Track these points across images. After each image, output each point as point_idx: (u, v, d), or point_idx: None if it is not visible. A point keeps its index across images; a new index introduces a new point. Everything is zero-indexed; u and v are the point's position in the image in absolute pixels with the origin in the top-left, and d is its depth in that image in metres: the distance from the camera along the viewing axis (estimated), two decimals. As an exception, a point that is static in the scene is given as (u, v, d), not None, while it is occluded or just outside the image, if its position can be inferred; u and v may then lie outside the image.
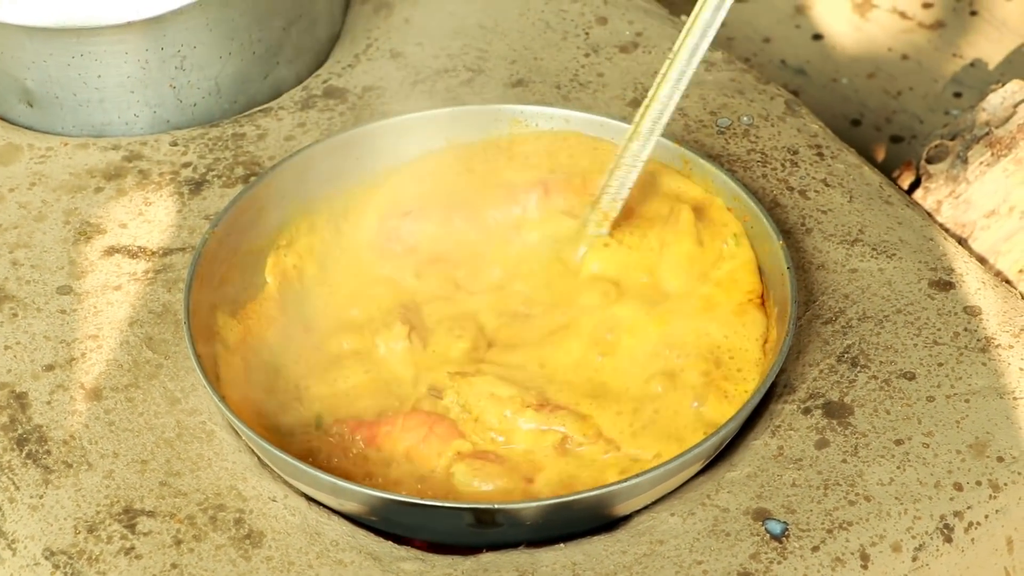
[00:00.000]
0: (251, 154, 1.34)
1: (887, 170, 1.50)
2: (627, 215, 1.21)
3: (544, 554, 1.06)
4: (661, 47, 1.44)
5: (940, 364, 1.16)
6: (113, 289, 1.23)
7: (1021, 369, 1.15)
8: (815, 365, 1.16)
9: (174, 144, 1.35)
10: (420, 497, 1.05)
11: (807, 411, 1.13)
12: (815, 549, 1.05)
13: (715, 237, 1.19)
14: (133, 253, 1.26)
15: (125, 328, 1.20)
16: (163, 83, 1.35)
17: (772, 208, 1.27)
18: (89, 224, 1.28)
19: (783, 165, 1.32)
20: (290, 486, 1.09)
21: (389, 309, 1.19)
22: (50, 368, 1.17)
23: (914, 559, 1.06)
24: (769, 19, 1.85)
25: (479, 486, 1.07)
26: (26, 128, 1.38)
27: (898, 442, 1.11)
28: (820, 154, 1.33)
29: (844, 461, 1.10)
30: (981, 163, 1.33)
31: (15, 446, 1.12)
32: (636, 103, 1.38)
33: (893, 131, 1.71)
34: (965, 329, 1.18)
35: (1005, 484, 1.09)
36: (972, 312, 1.19)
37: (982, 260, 1.31)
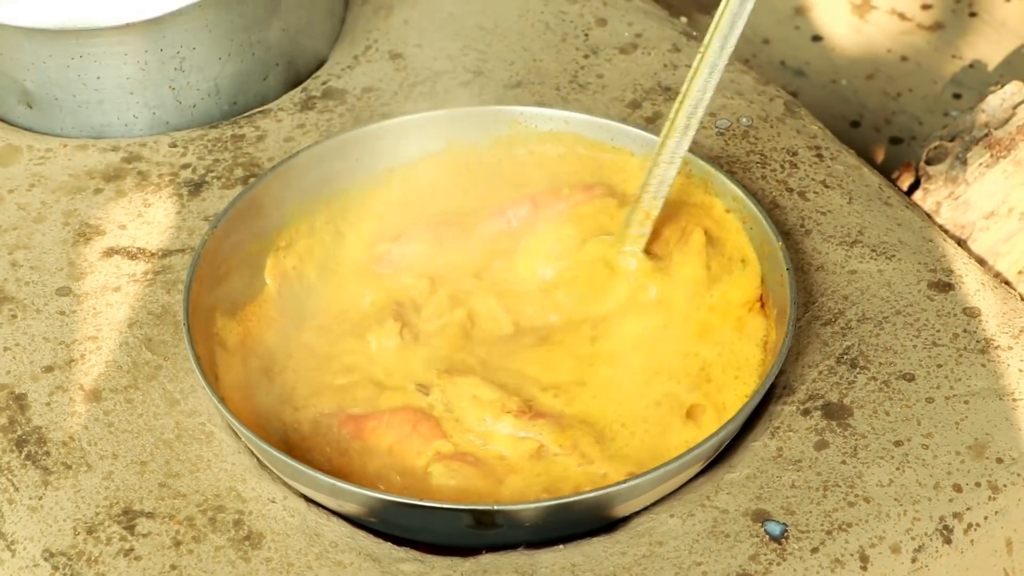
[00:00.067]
0: (250, 155, 1.34)
1: (886, 171, 1.50)
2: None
3: (543, 555, 1.05)
4: (660, 48, 1.44)
5: (939, 365, 1.16)
6: (112, 290, 1.23)
7: (1020, 370, 1.15)
8: (814, 366, 1.16)
9: (173, 145, 1.35)
10: (419, 498, 1.05)
11: (806, 412, 1.13)
12: (814, 550, 1.05)
13: (725, 261, 1.19)
14: (132, 254, 1.26)
15: (124, 329, 1.20)
16: (162, 84, 1.35)
17: (771, 209, 1.27)
18: (88, 225, 1.28)
19: (782, 166, 1.32)
20: (289, 487, 1.09)
21: (383, 306, 1.19)
22: (49, 369, 1.17)
23: (913, 560, 1.06)
24: (768, 20, 1.85)
25: (454, 486, 1.08)
26: (25, 129, 1.38)
27: (897, 443, 1.11)
28: (819, 155, 1.33)
29: (843, 462, 1.10)
30: (980, 164, 1.33)
31: (14, 447, 1.12)
32: (636, 104, 1.38)
33: (892, 132, 1.71)
34: (964, 330, 1.18)
35: (1004, 485, 1.09)
36: (971, 313, 1.19)
37: (981, 261, 1.31)
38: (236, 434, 1.12)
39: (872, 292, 1.21)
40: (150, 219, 1.29)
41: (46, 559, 1.06)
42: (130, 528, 1.07)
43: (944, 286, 1.21)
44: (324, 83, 1.42)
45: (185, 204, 1.30)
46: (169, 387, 1.16)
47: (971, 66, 1.77)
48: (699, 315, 1.17)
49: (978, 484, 1.09)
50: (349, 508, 1.06)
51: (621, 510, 1.06)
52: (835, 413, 1.13)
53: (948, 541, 1.07)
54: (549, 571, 1.04)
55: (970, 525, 1.08)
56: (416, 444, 1.11)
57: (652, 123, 1.35)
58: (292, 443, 1.11)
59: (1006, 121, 1.34)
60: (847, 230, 1.26)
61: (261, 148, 1.35)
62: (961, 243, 1.32)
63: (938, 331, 1.18)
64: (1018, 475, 1.09)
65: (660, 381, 1.14)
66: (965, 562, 1.08)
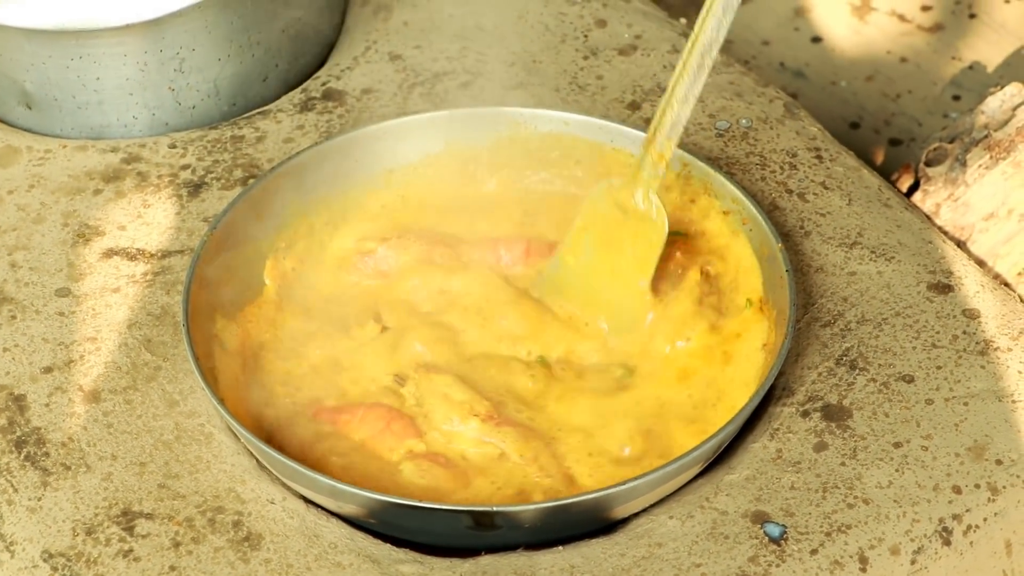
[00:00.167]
0: (250, 156, 1.34)
1: (886, 173, 1.50)
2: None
3: (542, 557, 1.05)
4: (660, 50, 1.44)
5: (939, 367, 1.16)
6: (112, 291, 1.23)
7: (1020, 372, 1.15)
8: (814, 368, 1.16)
9: (173, 146, 1.35)
10: (418, 500, 1.05)
11: (806, 414, 1.13)
12: (814, 552, 1.05)
13: (723, 300, 1.19)
14: (132, 255, 1.26)
15: (124, 330, 1.20)
16: (162, 85, 1.35)
17: (771, 211, 1.27)
18: (88, 226, 1.28)
19: (782, 168, 1.32)
20: (289, 488, 1.09)
21: (364, 302, 1.20)
22: (48, 370, 1.17)
23: (913, 562, 1.06)
24: (768, 22, 1.85)
25: (423, 485, 1.08)
26: (25, 130, 1.38)
27: (897, 445, 1.11)
28: (819, 157, 1.33)
29: (843, 464, 1.10)
30: (980, 166, 1.33)
31: (13, 448, 1.12)
32: (635, 106, 1.38)
33: (892, 134, 1.71)
34: (964, 332, 1.18)
35: (1004, 487, 1.09)
36: (971, 315, 1.19)
37: (981, 263, 1.31)
38: (235, 435, 1.12)
39: (872, 294, 1.21)
40: (149, 220, 1.28)
41: (45, 560, 1.06)
42: (129, 529, 1.07)
43: (944, 288, 1.21)
44: (324, 84, 1.42)
45: (184, 205, 1.30)
46: (168, 388, 1.16)
47: (971, 68, 1.77)
48: (681, 362, 1.16)
49: (977, 486, 1.09)
50: (348, 509, 1.06)
51: (620, 512, 1.06)
52: (834, 415, 1.13)
53: (947, 543, 1.07)
54: (548, 572, 1.04)
55: (969, 527, 1.08)
56: (389, 441, 1.11)
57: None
58: (270, 435, 1.11)
59: (1005, 123, 1.34)
60: (846, 232, 1.25)
61: (261, 149, 1.35)
62: (961, 245, 1.32)
63: (937, 333, 1.18)
64: (1017, 477, 1.09)
65: (638, 418, 1.13)
66: (964, 564, 1.08)
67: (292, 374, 1.16)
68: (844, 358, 1.16)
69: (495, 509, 1.02)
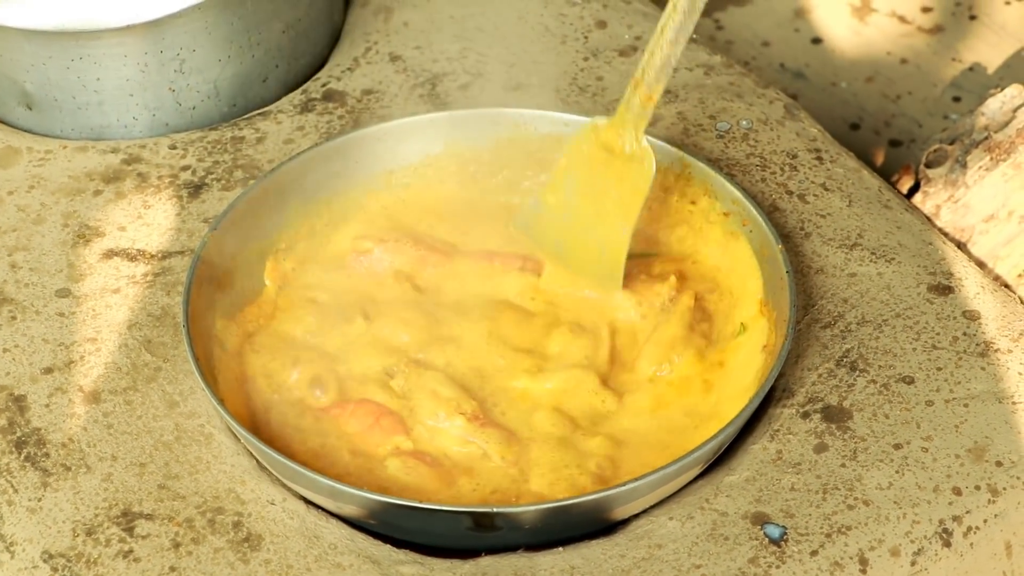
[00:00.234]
0: (250, 157, 1.34)
1: (886, 174, 1.50)
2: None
3: (542, 558, 1.05)
4: (660, 51, 1.44)
5: (939, 368, 1.16)
6: (112, 292, 1.23)
7: (1020, 373, 1.15)
8: (814, 369, 1.16)
9: (173, 147, 1.35)
10: (418, 500, 1.05)
11: (806, 415, 1.13)
12: (814, 553, 1.05)
13: (716, 327, 1.18)
14: (132, 256, 1.26)
15: (124, 331, 1.20)
16: (162, 86, 1.35)
17: (771, 212, 1.27)
18: (88, 227, 1.28)
19: (782, 169, 1.32)
20: (289, 489, 1.09)
21: (358, 303, 1.20)
22: (49, 371, 1.17)
23: (913, 564, 1.06)
24: (768, 23, 1.85)
25: (407, 482, 1.08)
26: (25, 131, 1.38)
27: (897, 446, 1.11)
28: (819, 158, 1.33)
29: (843, 465, 1.10)
30: (980, 167, 1.32)
31: (13, 449, 1.12)
32: (635, 107, 1.38)
33: (892, 135, 1.71)
34: (964, 333, 1.18)
35: (1004, 489, 1.09)
36: (971, 316, 1.19)
37: (981, 264, 1.31)
38: (235, 436, 1.12)
39: (872, 295, 1.21)
40: (150, 221, 1.28)
41: (45, 560, 1.06)
42: (129, 530, 1.07)
43: (944, 289, 1.21)
44: (324, 85, 1.42)
45: (185, 206, 1.30)
46: (168, 389, 1.16)
47: (971, 69, 1.77)
48: (662, 391, 1.15)
49: (977, 487, 1.09)
50: (348, 510, 1.06)
51: (620, 513, 1.06)
52: (834, 416, 1.13)
53: (947, 544, 1.07)
54: (548, 573, 1.04)
55: (969, 528, 1.08)
56: (376, 437, 1.11)
57: (652, 126, 1.35)
58: (270, 435, 1.11)
59: (1006, 124, 1.34)
60: (847, 233, 1.25)
61: (261, 150, 1.35)
62: (961, 246, 1.32)
63: (938, 334, 1.18)
64: (1017, 478, 1.09)
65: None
66: (964, 565, 1.08)
67: (291, 374, 1.16)
68: (844, 359, 1.16)
69: (496, 510, 1.02)
